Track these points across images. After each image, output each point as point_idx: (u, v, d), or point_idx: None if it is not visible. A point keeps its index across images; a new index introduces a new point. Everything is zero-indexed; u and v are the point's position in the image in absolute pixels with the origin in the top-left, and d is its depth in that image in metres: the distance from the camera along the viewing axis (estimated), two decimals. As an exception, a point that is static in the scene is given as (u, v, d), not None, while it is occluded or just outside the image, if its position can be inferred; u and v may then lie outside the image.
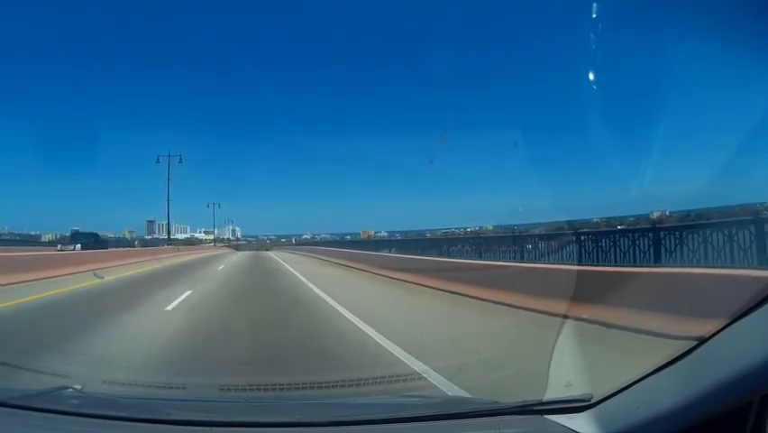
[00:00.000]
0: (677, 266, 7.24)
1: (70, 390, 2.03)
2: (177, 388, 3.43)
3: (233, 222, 68.81)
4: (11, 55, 65.05)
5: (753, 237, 6.75)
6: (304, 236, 61.48)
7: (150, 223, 63.40)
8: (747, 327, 1.11)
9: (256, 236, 69.15)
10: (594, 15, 4.30)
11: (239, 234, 70.83)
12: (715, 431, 1.14)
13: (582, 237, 10.59)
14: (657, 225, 9.46)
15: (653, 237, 8.51)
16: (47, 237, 53.40)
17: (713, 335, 1.19)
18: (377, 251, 21.50)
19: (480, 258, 13.25)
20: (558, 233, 12.64)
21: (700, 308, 2.94)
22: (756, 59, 1.69)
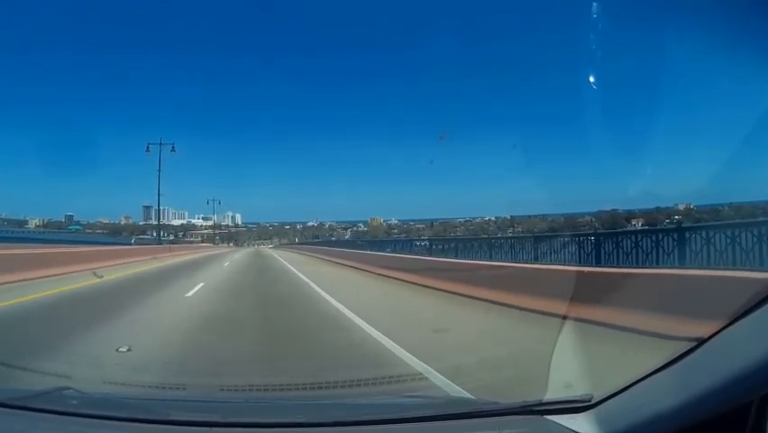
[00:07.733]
0: (676, 267, 7.18)
1: (70, 390, 2.03)
2: (177, 388, 3.42)
3: (225, 208, 64.40)
4: (9, 47, 65.23)
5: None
6: (309, 224, 59.01)
7: (147, 209, 61.31)
8: (747, 327, 1.11)
9: (258, 223, 65.19)
10: (594, 15, 4.30)
11: (239, 221, 66.93)
12: (715, 431, 1.14)
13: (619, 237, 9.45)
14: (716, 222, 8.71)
15: (705, 235, 7.28)
16: (33, 223, 51.72)
17: (713, 335, 1.19)
18: (381, 250, 20.68)
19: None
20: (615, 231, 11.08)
21: (701, 308, 2.93)
22: (756, 58, 1.69)
